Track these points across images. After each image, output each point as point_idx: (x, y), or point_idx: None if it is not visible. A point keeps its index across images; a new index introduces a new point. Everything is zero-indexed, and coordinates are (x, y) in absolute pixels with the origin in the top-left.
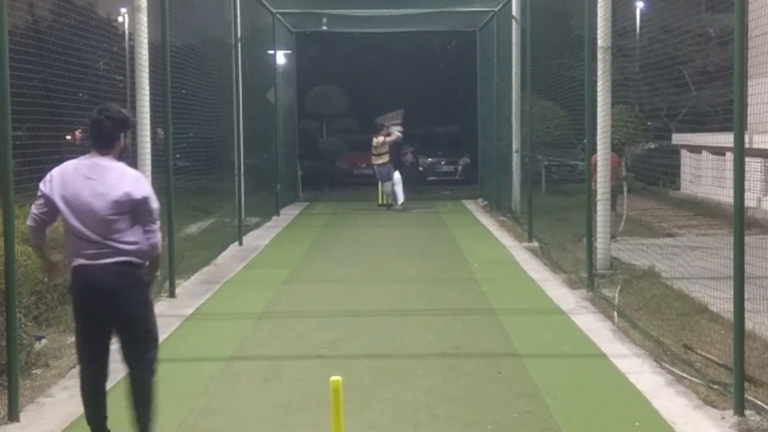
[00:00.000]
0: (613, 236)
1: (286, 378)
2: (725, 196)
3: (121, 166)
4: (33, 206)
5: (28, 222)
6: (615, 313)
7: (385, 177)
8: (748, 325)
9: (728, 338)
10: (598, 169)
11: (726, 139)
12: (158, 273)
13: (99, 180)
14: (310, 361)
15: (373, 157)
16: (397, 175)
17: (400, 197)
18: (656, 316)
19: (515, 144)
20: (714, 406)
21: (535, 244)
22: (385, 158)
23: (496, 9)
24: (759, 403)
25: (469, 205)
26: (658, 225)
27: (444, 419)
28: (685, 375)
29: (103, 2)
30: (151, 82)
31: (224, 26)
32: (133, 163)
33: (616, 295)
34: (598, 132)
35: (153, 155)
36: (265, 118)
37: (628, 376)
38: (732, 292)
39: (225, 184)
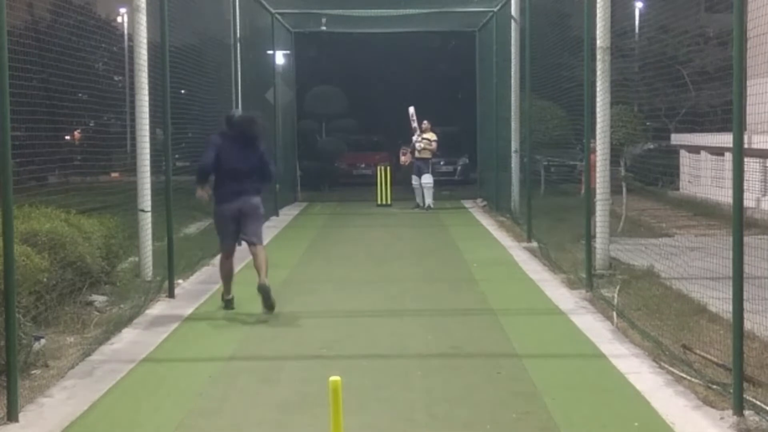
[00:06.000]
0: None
1: (285, 378)
2: (724, 196)
3: None
4: None
5: None
6: (614, 314)
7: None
8: (747, 325)
9: (727, 338)
10: (598, 169)
11: (725, 139)
12: None
13: None
14: (309, 361)
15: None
16: (427, 177)
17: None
18: (655, 316)
19: (514, 144)
20: (713, 407)
21: (534, 244)
22: (426, 154)
23: (495, 9)
24: (758, 403)
25: (468, 205)
26: (657, 225)
27: (443, 419)
28: (684, 375)
29: (103, 2)
30: (150, 83)
31: (223, 26)
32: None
33: (615, 295)
34: (597, 132)
35: (152, 155)
36: (263, 118)
37: (627, 376)
38: (731, 293)
39: None
